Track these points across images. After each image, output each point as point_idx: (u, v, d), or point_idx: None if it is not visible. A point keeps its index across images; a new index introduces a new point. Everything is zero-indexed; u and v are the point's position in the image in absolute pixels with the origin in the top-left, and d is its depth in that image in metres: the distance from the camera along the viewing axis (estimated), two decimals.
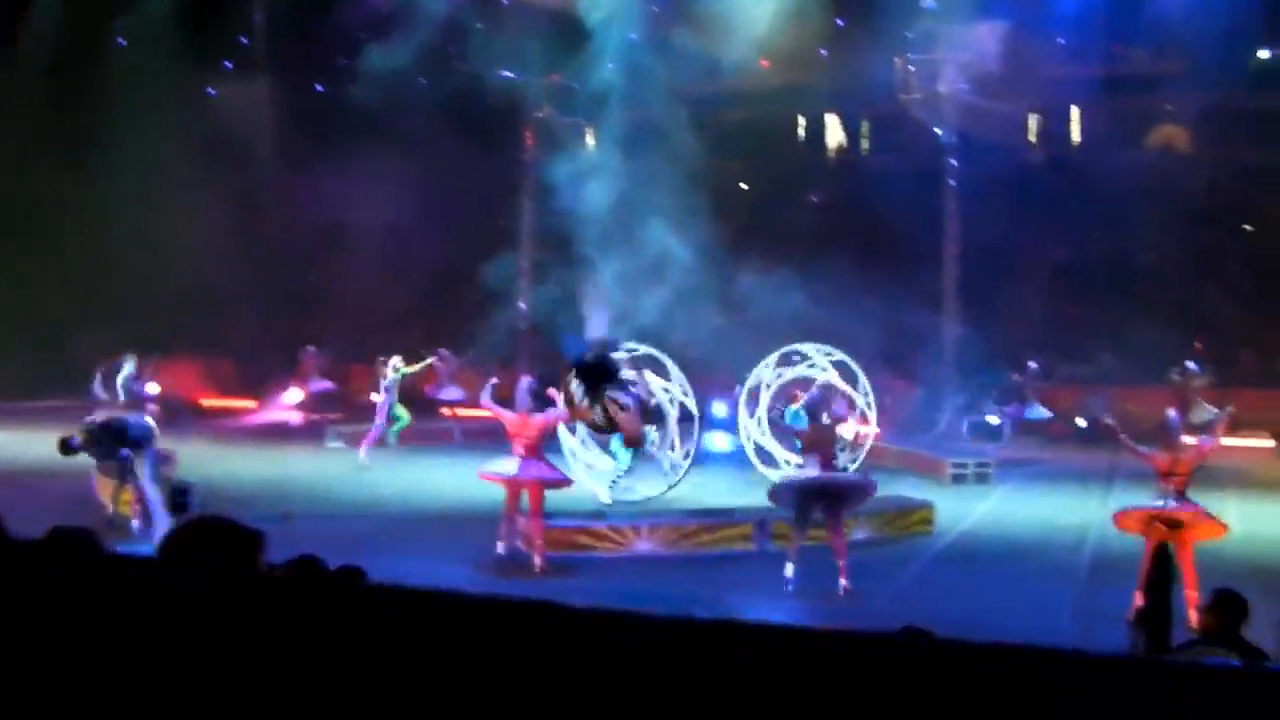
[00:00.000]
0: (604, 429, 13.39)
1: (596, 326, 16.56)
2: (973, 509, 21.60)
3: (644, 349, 22.38)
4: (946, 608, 14.89)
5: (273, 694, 3.82)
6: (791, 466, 22.49)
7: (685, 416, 22.83)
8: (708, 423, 23.18)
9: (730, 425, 23.29)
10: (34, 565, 4.37)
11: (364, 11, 36.47)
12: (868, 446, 23.26)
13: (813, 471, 16.10)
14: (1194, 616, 13.26)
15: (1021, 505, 22.29)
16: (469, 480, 18.90)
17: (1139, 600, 13.56)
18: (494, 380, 18.38)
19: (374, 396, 28.09)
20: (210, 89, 41.13)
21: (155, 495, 17.85)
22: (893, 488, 21.88)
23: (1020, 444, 28.35)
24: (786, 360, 23.93)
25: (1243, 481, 23.71)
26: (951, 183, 31.91)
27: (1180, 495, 14.49)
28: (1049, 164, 41.06)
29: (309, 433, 29.31)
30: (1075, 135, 42.12)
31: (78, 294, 36.60)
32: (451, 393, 32.23)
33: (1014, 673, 3.44)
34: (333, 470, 25.72)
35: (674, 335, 26.95)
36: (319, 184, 36.45)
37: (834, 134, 45.16)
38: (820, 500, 16.04)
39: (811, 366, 23.63)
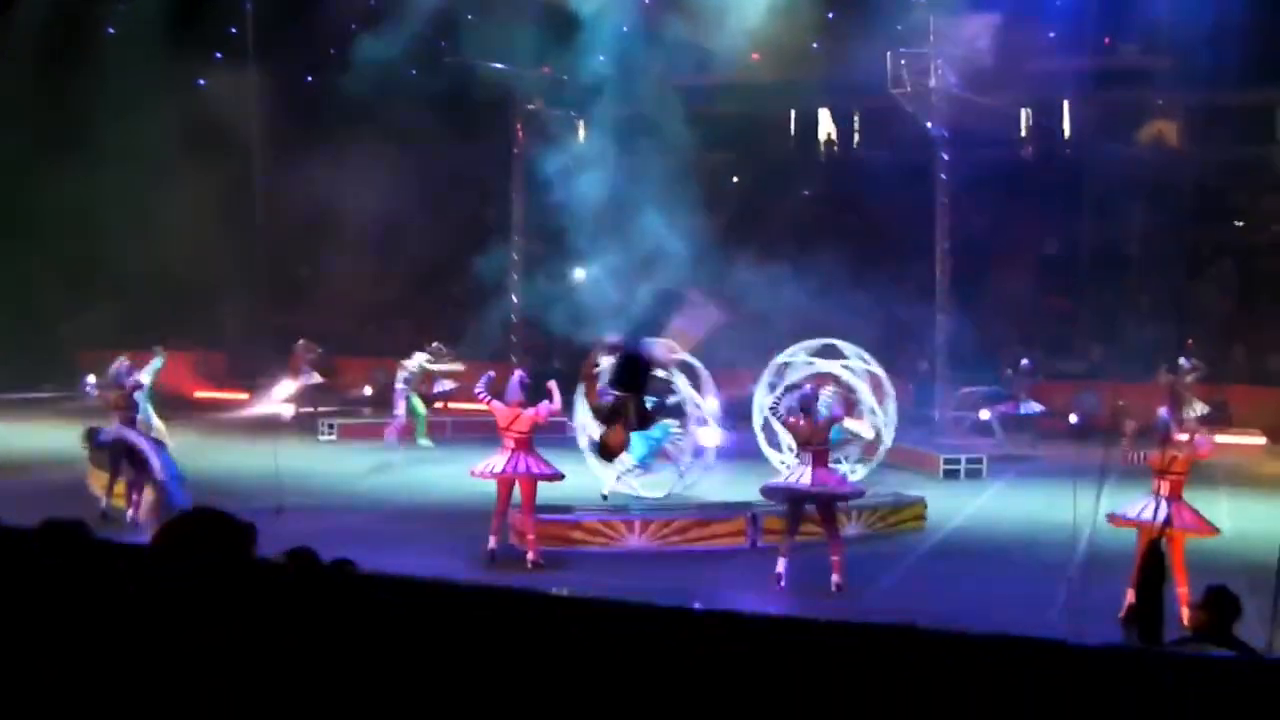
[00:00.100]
0: (604, 418, 13.34)
1: (681, 334, 16.35)
2: (965, 505, 21.64)
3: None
4: (938, 604, 14.95)
5: (265, 684, 3.82)
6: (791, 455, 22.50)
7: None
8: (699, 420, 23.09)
9: (721, 421, 23.20)
10: (26, 556, 4.37)
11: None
12: (880, 456, 23.05)
13: (806, 469, 16.08)
14: (1186, 614, 13.31)
15: (1013, 501, 22.33)
16: (461, 474, 18.90)
17: (1131, 598, 13.59)
18: (490, 373, 18.36)
19: (398, 385, 28.14)
20: (200, 79, 41.05)
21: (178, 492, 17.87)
22: (885, 483, 21.95)
23: (1012, 440, 28.37)
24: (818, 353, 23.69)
25: (1234, 479, 23.77)
26: (942, 176, 31.88)
27: (1175, 495, 14.51)
28: (1039, 158, 41.14)
29: (301, 425, 29.31)
30: (1066, 129, 42.19)
31: (68, 285, 36.56)
32: (443, 386, 32.19)
33: (1006, 664, 3.46)
34: (324, 463, 25.72)
35: (665, 329, 26.91)
36: (310, 176, 36.36)
37: (825, 127, 45.21)
38: (812, 500, 16.08)
39: (844, 367, 23.41)
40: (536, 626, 3.73)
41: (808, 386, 19.99)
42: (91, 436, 20.18)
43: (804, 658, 3.55)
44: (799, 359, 23.36)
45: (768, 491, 16.83)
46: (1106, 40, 39.12)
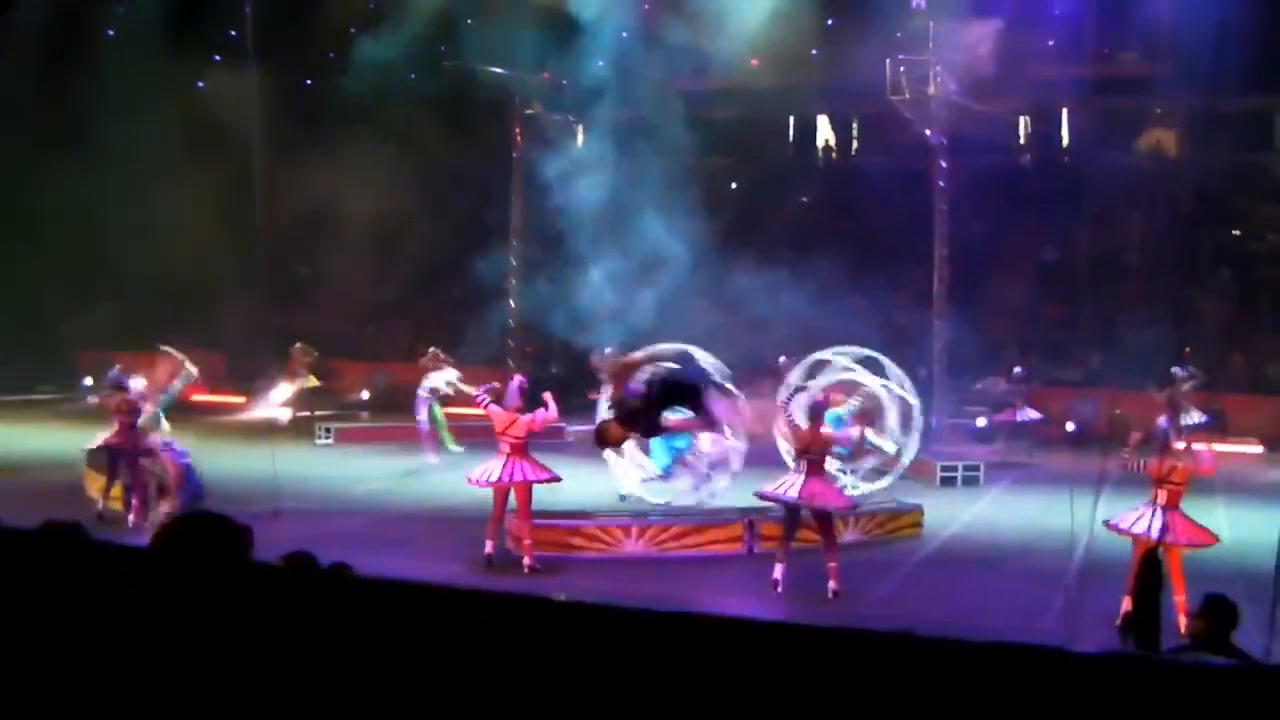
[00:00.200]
0: (620, 412, 13.32)
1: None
2: (962, 512, 21.63)
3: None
4: (935, 611, 14.96)
5: (262, 687, 3.82)
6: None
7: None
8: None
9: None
10: (24, 558, 4.37)
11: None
12: (898, 472, 22.99)
13: (799, 478, 16.04)
14: (1183, 622, 13.31)
15: (1011, 509, 22.30)
16: (458, 478, 18.89)
17: (1128, 606, 13.58)
18: (494, 384, 18.36)
19: (421, 394, 28.14)
20: (200, 81, 41.04)
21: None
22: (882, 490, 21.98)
23: (1009, 447, 28.36)
24: (818, 368, 23.52)
25: (1232, 487, 23.75)
26: (941, 184, 31.89)
27: (1172, 505, 14.50)
28: (1038, 166, 41.17)
29: (298, 429, 29.32)
30: (1065, 137, 42.22)
31: (68, 286, 36.55)
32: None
33: (1003, 672, 3.45)
34: (322, 467, 25.72)
35: (664, 333, 26.90)
36: (309, 177, 36.38)
37: (824, 133, 45.25)
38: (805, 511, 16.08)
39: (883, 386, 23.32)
40: (532, 631, 3.73)
41: (821, 394, 19.96)
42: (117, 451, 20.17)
43: (800, 664, 3.55)
44: (840, 361, 23.20)
45: (761, 496, 16.83)
46: (1105, 48, 39.17)
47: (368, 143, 35.62)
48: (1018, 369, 29.91)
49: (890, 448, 22.52)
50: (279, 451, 21.73)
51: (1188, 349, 31.98)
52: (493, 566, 16.82)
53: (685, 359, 14.89)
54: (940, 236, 31.67)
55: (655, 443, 20.86)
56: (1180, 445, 15.11)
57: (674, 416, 14.77)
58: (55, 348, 38.33)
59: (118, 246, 35.54)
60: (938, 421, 29.20)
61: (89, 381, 33.89)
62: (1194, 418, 25.22)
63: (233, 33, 39.44)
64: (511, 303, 35.90)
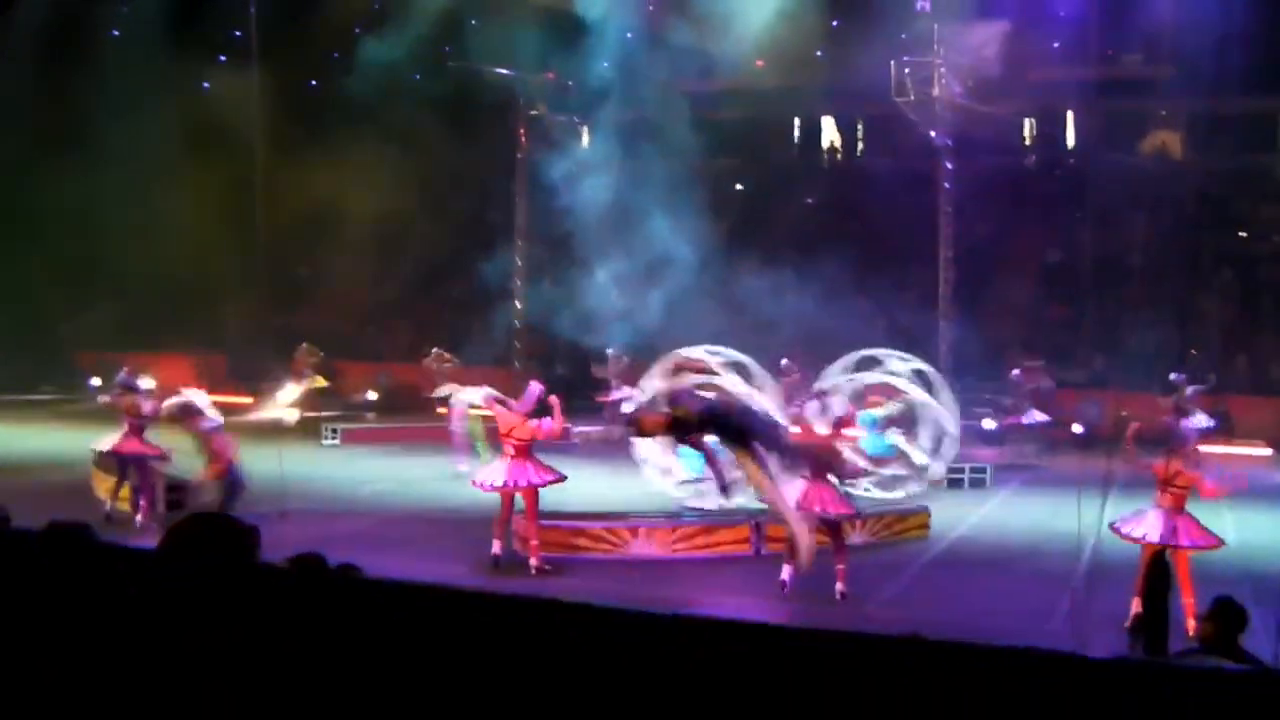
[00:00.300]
0: (675, 413, 13.38)
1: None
2: (969, 514, 21.60)
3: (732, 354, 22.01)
4: (942, 612, 14.94)
5: (268, 687, 3.83)
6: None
7: None
8: None
9: None
10: (31, 558, 4.38)
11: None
12: (917, 488, 22.95)
13: (801, 485, 16.00)
14: (1191, 624, 13.31)
15: (1018, 511, 22.26)
16: (464, 480, 18.90)
17: (1136, 608, 13.58)
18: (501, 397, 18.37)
19: (439, 392, 28.09)
20: (204, 82, 41.06)
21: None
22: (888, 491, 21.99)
23: (1016, 449, 28.32)
24: (867, 365, 23.50)
25: (1239, 490, 23.70)
26: (946, 185, 31.92)
27: (1177, 508, 14.49)
28: (1042, 167, 41.14)
29: (304, 430, 29.32)
30: (1069, 139, 42.21)
31: (69, 286, 36.56)
32: (447, 389, 32.19)
33: (1011, 675, 3.45)
34: (328, 468, 25.71)
35: (670, 334, 26.89)
36: (311, 178, 36.40)
37: (829, 135, 45.23)
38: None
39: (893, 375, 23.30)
40: (538, 633, 3.73)
41: (849, 407, 19.85)
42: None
43: (807, 668, 3.55)
44: (893, 366, 23.17)
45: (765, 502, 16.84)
46: (1110, 50, 39.16)
47: (371, 143, 35.65)
48: (1015, 372, 29.57)
49: (920, 458, 22.56)
50: (285, 452, 21.73)
51: (1193, 350, 31.99)
52: (500, 567, 16.82)
53: (748, 409, 14.71)
54: (945, 238, 31.70)
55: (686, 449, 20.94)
56: (1191, 448, 15.11)
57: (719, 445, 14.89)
58: (56, 348, 38.35)
59: (119, 247, 35.55)
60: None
61: (97, 381, 33.90)
62: (1201, 421, 25.20)
63: (237, 33, 39.50)
64: (517, 303, 35.91)
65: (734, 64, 36.79)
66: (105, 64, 37.80)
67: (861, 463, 20.73)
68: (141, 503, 19.42)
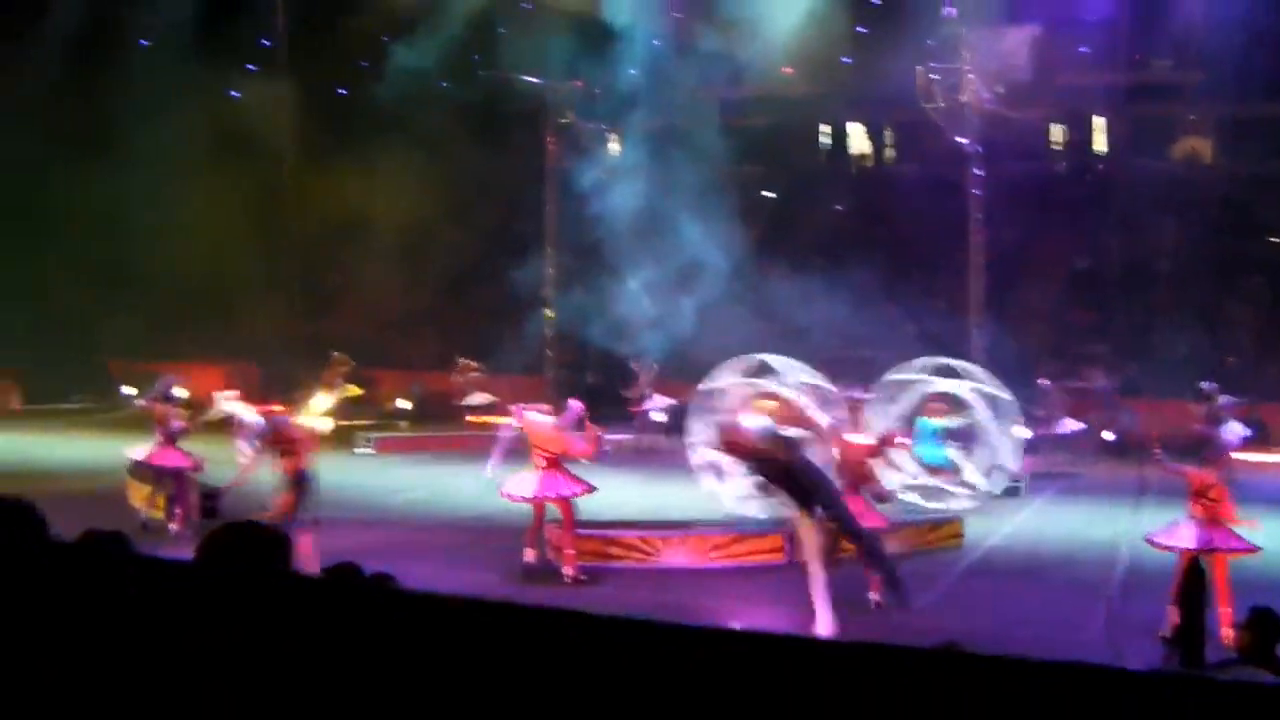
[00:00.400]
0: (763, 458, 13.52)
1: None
2: (1003, 523, 21.53)
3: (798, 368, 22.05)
4: (976, 622, 14.90)
5: (301, 697, 3.85)
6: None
7: None
8: None
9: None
10: (67, 567, 4.41)
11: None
12: (979, 496, 22.88)
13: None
14: (1227, 633, 13.25)
15: (1052, 519, 22.18)
16: (495, 488, 18.91)
17: (1173, 617, 13.52)
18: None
19: (469, 401, 28.15)
20: (232, 89, 41.26)
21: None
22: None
23: (1050, 458, 28.20)
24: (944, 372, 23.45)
25: (1274, 497, 23.59)
26: (975, 191, 31.87)
27: (1209, 518, 14.41)
28: (1072, 173, 41.05)
29: (338, 438, 29.36)
30: (1098, 144, 42.11)
31: (100, 294, 36.70)
32: (478, 399, 32.28)
33: (1052, 689, 3.43)
34: (361, 476, 25.75)
35: (700, 341, 26.92)
36: (340, 185, 36.53)
37: (857, 141, 45.19)
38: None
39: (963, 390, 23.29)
40: (571, 645, 3.74)
41: (897, 431, 19.83)
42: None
43: (840, 679, 3.55)
44: (967, 381, 23.15)
45: None
46: (1139, 55, 39.09)
47: (400, 151, 35.73)
48: (1042, 381, 29.47)
49: (973, 477, 22.57)
50: (319, 460, 21.77)
51: (1227, 359, 31.81)
52: (533, 576, 16.85)
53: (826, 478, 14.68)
54: (974, 244, 31.65)
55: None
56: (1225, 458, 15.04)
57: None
58: (89, 356, 38.47)
59: (150, 254, 35.71)
60: None
61: (129, 390, 34.05)
62: (1237, 430, 25.04)
63: (266, 42, 39.68)
64: (547, 312, 35.93)
65: (762, 71, 36.83)
66: (136, 71, 37.98)
67: (911, 468, 20.82)
68: (177, 511, 19.49)
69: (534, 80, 35.10)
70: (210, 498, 20.33)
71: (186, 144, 36.04)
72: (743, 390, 21.74)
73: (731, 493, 21.33)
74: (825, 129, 45.39)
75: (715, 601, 15.95)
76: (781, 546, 18.33)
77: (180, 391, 21.05)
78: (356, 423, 30.33)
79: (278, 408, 18.45)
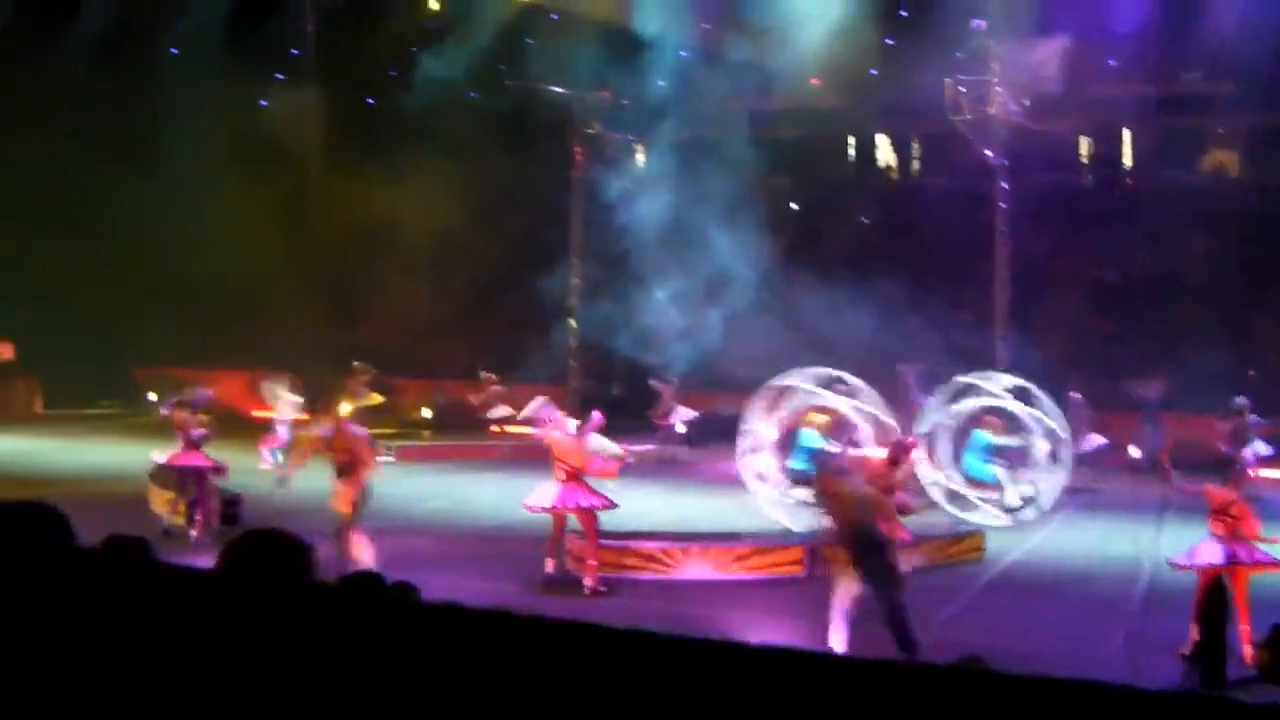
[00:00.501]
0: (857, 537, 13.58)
1: None
2: (1025, 538, 21.46)
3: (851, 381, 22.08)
4: (997, 636, 14.83)
5: (323, 708, 3.84)
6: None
7: None
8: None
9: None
10: (89, 573, 4.40)
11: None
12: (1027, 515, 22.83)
13: None
14: (1248, 651, 13.19)
15: (1073, 534, 22.10)
16: (517, 498, 18.94)
17: (1195, 634, 13.45)
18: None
19: (492, 414, 28.21)
20: (261, 98, 41.41)
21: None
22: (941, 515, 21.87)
23: (1074, 473, 28.08)
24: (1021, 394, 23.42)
25: None
26: (1001, 204, 31.80)
27: (1231, 535, 14.33)
28: (1099, 186, 40.90)
29: None
30: (1127, 157, 41.95)
31: (129, 301, 36.83)
32: (499, 413, 32.36)
33: (1071, 708, 3.40)
34: (382, 485, 25.74)
35: (727, 352, 26.90)
36: (368, 194, 36.60)
37: (884, 154, 45.10)
38: None
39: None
40: (590, 658, 3.72)
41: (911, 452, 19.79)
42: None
43: (861, 697, 3.52)
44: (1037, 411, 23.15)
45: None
46: (1168, 67, 38.93)
47: (427, 160, 35.79)
48: (1074, 395, 29.36)
49: (1013, 499, 22.53)
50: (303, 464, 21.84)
51: (1251, 373, 31.65)
52: (553, 587, 16.85)
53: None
54: (1001, 257, 31.58)
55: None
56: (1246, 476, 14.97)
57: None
58: (116, 362, 38.62)
59: (177, 261, 35.83)
60: None
61: (153, 396, 34.21)
62: (1260, 449, 24.94)
63: (294, 51, 39.81)
64: (572, 322, 35.94)
65: (789, 82, 36.81)
66: (166, 79, 38.15)
67: (929, 474, 20.84)
68: (197, 517, 19.54)
69: (561, 90, 35.15)
70: (231, 504, 20.42)
71: (215, 151, 36.16)
72: (800, 400, 21.85)
73: (775, 501, 21.34)
74: (852, 141, 45.30)
75: (735, 614, 15.91)
76: (801, 560, 18.33)
77: (204, 397, 21.13)
78: (378, 431, 30.38)
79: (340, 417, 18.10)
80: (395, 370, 35.54)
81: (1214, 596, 13.28)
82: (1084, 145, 41.69)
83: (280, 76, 41.82)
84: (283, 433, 27.23)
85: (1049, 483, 23.00)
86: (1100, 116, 39.48)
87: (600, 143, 35.72)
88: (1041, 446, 22.94)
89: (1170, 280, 35.64)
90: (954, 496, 22.58)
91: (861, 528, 13.93)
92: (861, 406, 21.73)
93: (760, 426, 22.41)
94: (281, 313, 37.39)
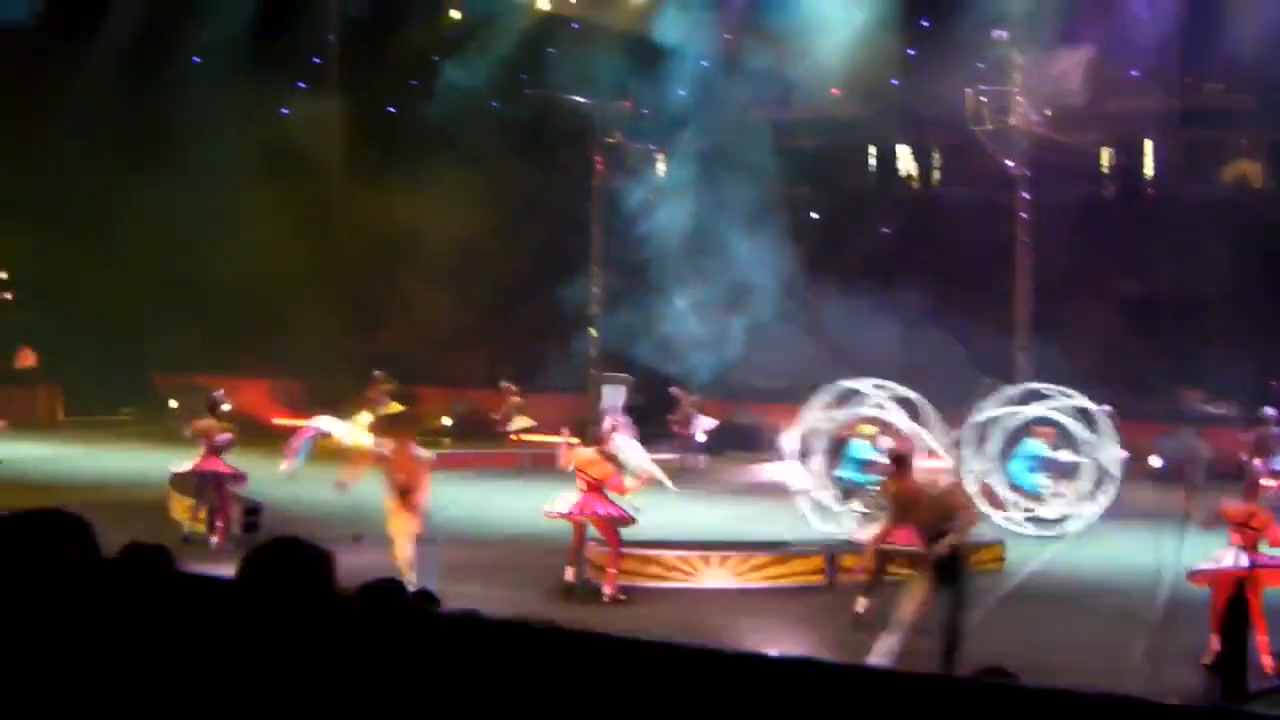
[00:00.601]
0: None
1: None
2: (1044, 548, 21.40)
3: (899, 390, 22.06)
4: (1016, 647, 14.76)
5: (345, 716, 3.85)
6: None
7: None
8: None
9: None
10: (109, 581, 4.41)
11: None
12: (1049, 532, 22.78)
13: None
14: (1267, 661, 13.19)
15: (1094, 545, 22.03)
16: (537, 507, 18.95)
17: (1215, 645, 13.42)
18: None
19: (512, 425, 28.21)
20: (283, 107, 41.52)
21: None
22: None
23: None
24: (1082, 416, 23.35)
25: None
26: (1023, 215, 31.74)
27: (1250, 546, 14.26)
28: (1121, 197, 40.84)
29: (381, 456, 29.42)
30: (1149, 168, 41.87)
31: (151, 308, 36.95)
32: (519, 423, 32.43)
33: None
34: None
35: (749, 361, 26.86)
36: (388, 203, 36.67)
37: (904, 164, 45.08)
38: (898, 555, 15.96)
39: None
40: (608, 668, 3.72)
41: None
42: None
43: (883, 708, 3.52)
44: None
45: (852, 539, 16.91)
46: (1190, 79, 38.86)
47: (448, 168, 35.86)
48: (1106, 406, 29.25)
49: (1050, 513, 22.49)
50: (360, 477, 21.80)
51: (1275, 384, 31.51)
52: (572, 595, 16.85)
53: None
54: (1022, 268, 31.51)
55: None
56: (1270, 483, 14.90)
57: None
58: (135, 369, 38.72)
59: (199, 269, 35.92)
60: None
61: (174, 403, 34.28)
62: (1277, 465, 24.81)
63: (316, 60, 39.91)
64: (593, 331, 35.94)
65: (810, 92, 36.80)
66: (189, 87, 38.25)
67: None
68: (218, 524, 19.56)
69: (582, 99, 35.18)
70: (251, 512, 20.44)
71: (237, 160, 36.24)
72: (848, 411, 21.85)
73: (821, 510, 21.32)
74: (873, 151, 45.28)
75: (754, 623, 15.91)
76: (821, 569, 18.32)
77: (226, 405, 21.16)
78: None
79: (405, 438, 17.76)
80: (415, 379, 35.58)
81: (1235, 607, 13.24)
82: (1106, 156, 41.63)
83: (302, 85, 41.93)
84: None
85: (1084, 510, 22.90)
86: (1122, 127, 39.42)
87: (621, 152, 35.69)
88: (1089, 472, 22.87)
89: (1192, 291, 35.54)
90: (989, 494, 22.54)
91: (941, 531, 13.82)
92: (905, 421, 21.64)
93: (809, 429, 22.35)
94: (302, 321, 37.46)
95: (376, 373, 30.48)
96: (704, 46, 35.54)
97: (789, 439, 22.28)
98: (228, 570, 4.69)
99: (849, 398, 22.21)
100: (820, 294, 31.45)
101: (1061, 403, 23.13)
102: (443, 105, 36.73)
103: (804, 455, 22.21)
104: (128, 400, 39.02)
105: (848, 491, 21.89)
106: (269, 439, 28.34)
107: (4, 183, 36.95)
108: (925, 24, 37.82)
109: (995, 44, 31.76)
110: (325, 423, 21.10)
